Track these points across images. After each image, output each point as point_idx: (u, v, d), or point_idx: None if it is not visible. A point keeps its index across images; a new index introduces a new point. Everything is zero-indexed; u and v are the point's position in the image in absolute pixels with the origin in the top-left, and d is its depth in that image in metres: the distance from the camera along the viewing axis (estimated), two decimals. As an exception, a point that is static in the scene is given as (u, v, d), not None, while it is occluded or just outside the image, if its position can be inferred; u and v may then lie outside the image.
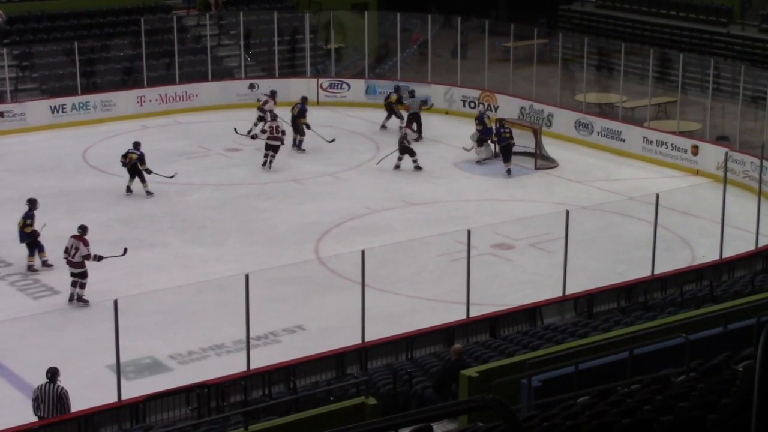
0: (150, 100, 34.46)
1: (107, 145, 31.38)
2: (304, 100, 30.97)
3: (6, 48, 34.12)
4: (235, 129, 31.35)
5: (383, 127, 32.91)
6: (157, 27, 36.76)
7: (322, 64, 38.47)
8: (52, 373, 15.44)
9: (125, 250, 21.42)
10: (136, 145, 27.09)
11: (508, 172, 28.58)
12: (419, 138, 31.43)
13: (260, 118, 30.94)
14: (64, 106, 33.44)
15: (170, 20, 36.76)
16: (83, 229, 20.89)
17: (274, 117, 29.92)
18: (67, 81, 34.22)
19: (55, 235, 23.64)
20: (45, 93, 34.18)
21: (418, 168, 28.71)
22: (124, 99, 34.14)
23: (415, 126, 31.14)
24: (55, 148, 31.06)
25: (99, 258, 20.70)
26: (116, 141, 31.65)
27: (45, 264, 22.17)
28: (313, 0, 40.31)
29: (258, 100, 32.57)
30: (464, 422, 12.55)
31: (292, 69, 37.64)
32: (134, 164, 26.83)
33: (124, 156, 26.90)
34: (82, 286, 20.51)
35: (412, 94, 32.88)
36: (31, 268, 22.10)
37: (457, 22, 36.49)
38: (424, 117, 32.62)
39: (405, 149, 28.72)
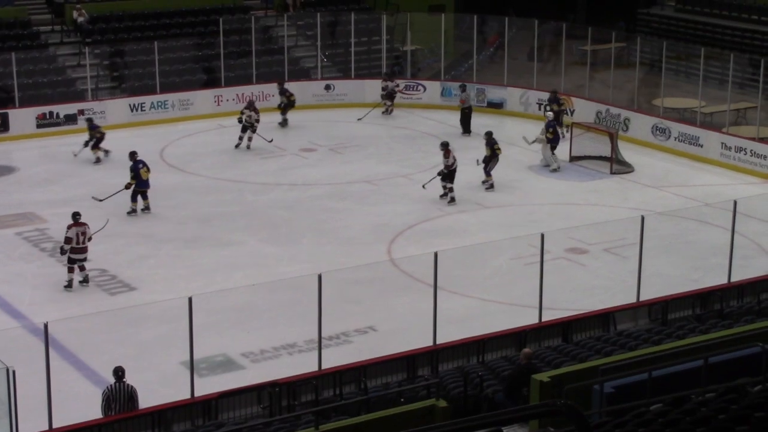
0: (227, 100, 34.74)
1: (184, 144, 31.76)
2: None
3: (87, 47, 34.68)
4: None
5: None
6: (236, 27, 37.09)
7: (398, 66, 38.53)
8: (121, 372, 15.60)
9: (107, 221, 22.95)
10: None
11: (486, 182, 27.88)
12: (468, 133, 31.93)
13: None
14: (143, 105, 33.88)
15: (248, 21, 37.06)
16: (79, 215, 21.75)
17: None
18: (146, 80, 34.67)
19: (138, 232, 24.06)
20: (125, 92, 34.66)
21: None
22: (202, 98, 34.48)
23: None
24: (134, 146, 31.15)
25: (90, 239, 21.71)
26: (193, 140, 32.03)
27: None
28: (390, 1, 40.35)
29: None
30: (535, 427, 12.49)
31: (368, 70, 37.71)
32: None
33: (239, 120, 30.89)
34: (84, 267, 21.57)
35: (463, 88, 33.24)
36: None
37: (534, 25, 36.32)
38: (499, 118, 32.56)
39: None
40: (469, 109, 32.95)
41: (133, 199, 25.33)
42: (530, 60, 37.31)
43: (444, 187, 26.63)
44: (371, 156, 30.61)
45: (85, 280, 21.50)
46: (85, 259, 21.49)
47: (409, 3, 40.21)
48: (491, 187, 27.64)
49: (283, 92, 33.66)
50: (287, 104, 33.51)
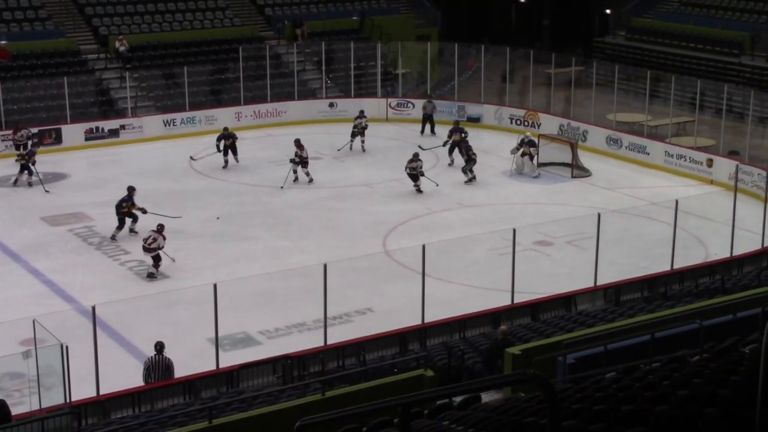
0: (246, 116, 34.67)
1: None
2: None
3: (128, 72, 34.63)
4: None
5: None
6: (252, 54, 37.00)
7: (390, 86, 38.50)
8: (160, 346, 15.61)
9: (174, 260, 22.04)
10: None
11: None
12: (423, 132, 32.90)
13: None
14: (174, 121, 33.80)
15: (263, 49, 36.98)
16: (162, 227, 21.64)
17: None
18: (177, 99, 34.58)
19: (172, 228, 23.96)
20: (159, 109, 34.57)
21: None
22: (224, 115, 34.37)
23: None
24: (167, 156, 31.39)
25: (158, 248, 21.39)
26: (217, 150, 31.89)
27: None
28: (384, 32, 40.34)
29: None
30: (508, 393, 12.50)
31: (365, 90, 37.70)
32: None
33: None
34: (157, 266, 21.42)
35: (429, 100, 34.24)
36: (113, 238, 23.58)
37: (506, 52, 36.34)
38: (476, 131, 32.56)
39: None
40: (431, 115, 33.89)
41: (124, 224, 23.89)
42: (503, 81, 37.30)
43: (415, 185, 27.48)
44: (369, 164, 30.57)
45: (148, 275, 21.35)
46: (155, 257, 21.28)
47: (399, 33, 40.19)
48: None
49: (229, 136, 29.93)
50: (231, 146, 29.91)
